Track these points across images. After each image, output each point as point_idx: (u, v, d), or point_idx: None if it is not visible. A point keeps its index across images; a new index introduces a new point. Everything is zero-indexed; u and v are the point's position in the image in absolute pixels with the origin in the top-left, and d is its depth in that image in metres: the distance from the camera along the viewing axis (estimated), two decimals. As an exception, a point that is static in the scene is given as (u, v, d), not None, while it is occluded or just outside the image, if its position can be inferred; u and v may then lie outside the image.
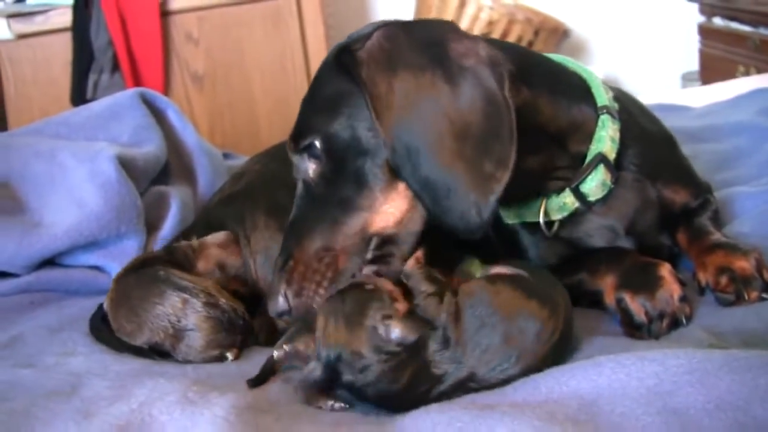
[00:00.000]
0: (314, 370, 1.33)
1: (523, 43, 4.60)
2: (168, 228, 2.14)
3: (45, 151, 2.18)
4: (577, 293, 1.47)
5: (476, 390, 1.29)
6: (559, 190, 1.60)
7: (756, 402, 1.12)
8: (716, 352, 1.23)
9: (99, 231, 2.02)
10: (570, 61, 1.72)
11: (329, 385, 1.33)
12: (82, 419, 1.35)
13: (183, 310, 1.62)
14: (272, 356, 1.46)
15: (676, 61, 5.19)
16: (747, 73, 4.20)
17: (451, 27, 1.46)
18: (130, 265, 1.82)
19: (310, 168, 1.50)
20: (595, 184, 1.59)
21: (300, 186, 1.54)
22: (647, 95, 3.68)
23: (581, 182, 1.59)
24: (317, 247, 1.46)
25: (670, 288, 1.48)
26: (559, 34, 4.81)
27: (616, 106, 1.65)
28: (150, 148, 2.29)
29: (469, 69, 1.38)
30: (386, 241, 1.46)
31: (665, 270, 1.51)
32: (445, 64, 1.38)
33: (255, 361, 1.62)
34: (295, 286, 1.44)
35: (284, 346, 1.43)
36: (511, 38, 4.59)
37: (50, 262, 2.08)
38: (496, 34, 4.59)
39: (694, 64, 4.89)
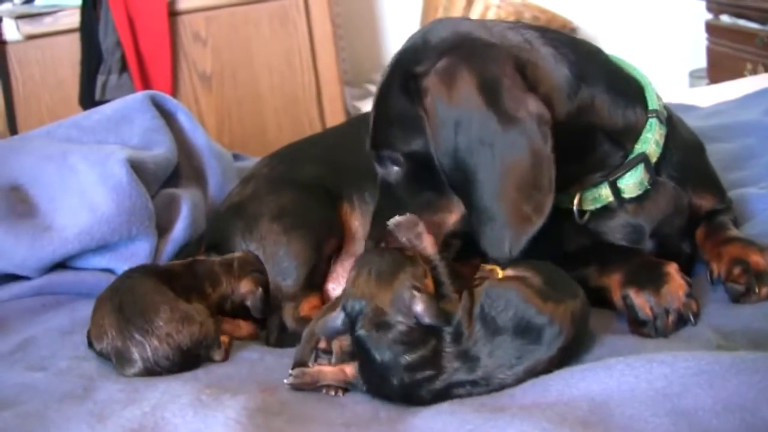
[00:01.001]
0: (336, 318, 1.40)
1: (531, 42, 4.61)
2: (179, 230, 2.15)
3: (56, 155, 2.19)
4: (584, 289, 1.48)
5: (486, 386, 1.31)
6: (597, 182, 1.64)
7: (764, 403, 1.14)
8: (724, 354, 1.24)
9: (110, 234, 2.02)
10: (627, 64, 1.77)
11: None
12: (96, 422, 1.36)
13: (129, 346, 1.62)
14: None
15: (683, 59, 5.18)
16: (755, 71, 4.21)
17: (507, 69, 1.50)
18: (139, 267, 1.84)
19: (392, 172, 1.62)
20: (633, 181, 1.62)
21: (381, 180, 1.67)
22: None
23: (619, 177, 1.62)
24: None
25: (676, 284, 1.49)
26: (566, 32, 4.81)
27: (665, 112, 1.70)
28: (160, 150, 2.29)
29: (519, 121, 1.45)
30: (455, 235, 1.61)
31: (671, 268, 1.53)
32: (498, 110, 1.45)
33: (266, 362, 1.63)
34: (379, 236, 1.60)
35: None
36: (519, 36, 4.61)
37: (62, 265, 2.09)
38: (503, 33, 4.60)
39: (701, 62, 4.89)
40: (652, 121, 1.64)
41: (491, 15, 4.60)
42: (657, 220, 1.67)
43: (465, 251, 1.62)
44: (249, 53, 4.19)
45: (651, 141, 1.63)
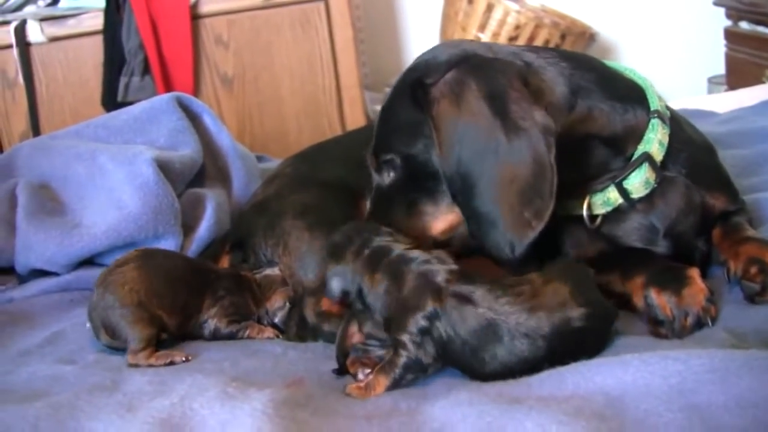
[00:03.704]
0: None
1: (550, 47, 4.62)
2: (204, 229, 2.18)
3: (85, 154, 2.23)
4: (605, 294, 1.51)
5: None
6: (604, 186, 1.67)
7: (775, 401, 1.16)
8: (737, 352, 1.27)
9: (137, 232, 2.06)
10: (627, 69, 1.80)
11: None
12: (126, 412, 1.39)
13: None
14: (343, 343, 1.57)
15: (702, 65, 5.18)
16: (773, 78, 4.21)
17: (513, 82, 1.55)
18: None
19: (387, 177, 1.66)
20: (638, 181, 1.65)
21: (375, 189, 1.71)
22: (674, 99, 3.69)
23: (624, 178, 1.65)
24: None
25: (697, 288, 1.52)
26: (586, 37, 4.82)
27: (668, 113, 1.73)
28: (186, 151, 2.33)
29: (525, 130, 1.49)
30: (440, 245, 1.61)
31: (694, 272, 1.56)
32: (505, 119, 1.49)
33: (290, 357, 1.67)
34: None
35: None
36: (538, 42, 4.61)
37: (89, 261, 2.13)
38: (522, 38, 4.61)
39: (720, 68, 4.89)
40: (654, 122, 1.67)
41: (511, 20, 4.63)
42: (670, 217, 1.70)
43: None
44: (270, 57, 4.21)
45: (654, 140, 1.66)
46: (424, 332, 1.40)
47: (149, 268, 1.78)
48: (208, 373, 1.53)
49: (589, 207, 1.69)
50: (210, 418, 1.33)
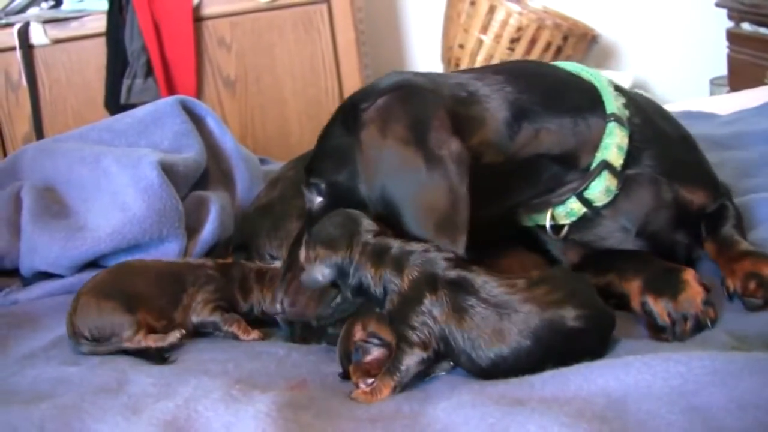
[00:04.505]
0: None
1: (552, 49, 4.62)
2: (208, 232, 2.19)
3: (89, 157, 2.24)
4: (605, 294, 1.51)
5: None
6: (566, 198, 1.67)
7: (776, 402, 1.16)
8: (738, 354, 1.27)
9: (141, 234, 2.07)
10: (584, 69, 1.79)
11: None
12: (131, 414, 1.40)
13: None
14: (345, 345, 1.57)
15: (704, 67, 5.17)
16: (775, 79, 4.21)
17: (437, 111, 1.54)
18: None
19: (315, 201, 1.65)
20: (599, 190, 1.65)
21: (307, 208, 1.69)
22: (676, 101, 3.69)
23: (585, 188, 1.66)
24: None
25: (693, 291, 1.52)
26: (588, 39, 4.82)
27: (626, 112, 1.71)
28: (190, 153, 2.34)
29: (441, 159, 1.49)
30: None
31: (689, 275, 1.56)
32: (424, 148, 1.49)
33: (293, 358, 1.67)
34: (290, 297, 1.64)
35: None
36: (540, 44, 4.62)
37: (94, 263, 2.13)
38: (524, 40, 4.61)
39: (722, 70, 4.88)
40: (611, 126, 1.66)
41: (513, 22, 4.63)
42: (639, 217, 1.70)
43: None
44: (273, 59, 4.21)
45: (611, 146, 1.65)
46: (425, 324, 1.40)
47: (116, 269, 1.86)
48: (213, 375, 1.54)
49: (553, 218, 1.69)
50: (214, 421, 1.34)
